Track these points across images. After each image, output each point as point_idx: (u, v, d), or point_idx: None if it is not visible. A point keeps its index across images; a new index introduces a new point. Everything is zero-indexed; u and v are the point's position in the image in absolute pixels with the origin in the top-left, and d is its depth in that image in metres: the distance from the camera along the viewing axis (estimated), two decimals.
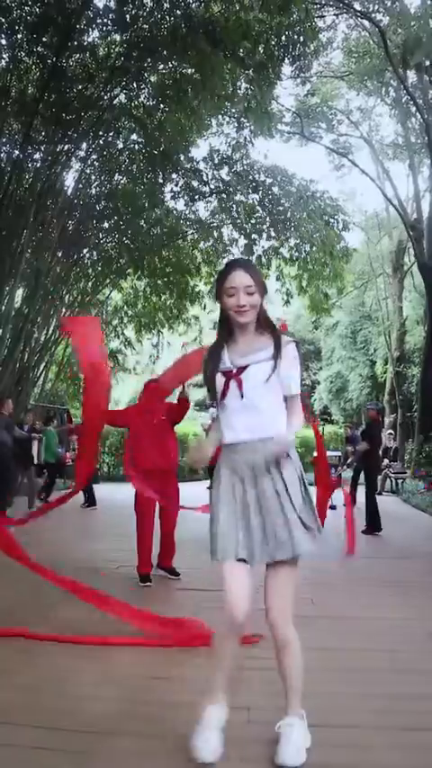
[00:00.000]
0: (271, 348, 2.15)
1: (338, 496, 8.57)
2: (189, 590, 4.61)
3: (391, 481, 15.06)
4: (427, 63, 15.02)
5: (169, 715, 2.37)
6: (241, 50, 10.40)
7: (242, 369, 2.14)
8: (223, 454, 2.21)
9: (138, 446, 4.83)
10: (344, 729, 2.30)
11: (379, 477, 15.23)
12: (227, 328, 2.24)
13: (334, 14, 16.42)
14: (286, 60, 11.42)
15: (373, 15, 15.66)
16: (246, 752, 2.10)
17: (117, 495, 10.28)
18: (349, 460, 14.24)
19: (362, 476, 12.23)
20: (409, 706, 2.51)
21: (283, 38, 10.60)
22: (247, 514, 2.10)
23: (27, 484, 10.19)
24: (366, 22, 17.01)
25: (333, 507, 10.28)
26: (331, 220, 14.81)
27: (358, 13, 15.54)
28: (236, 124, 14.27)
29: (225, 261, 15.81)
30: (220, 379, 2.18)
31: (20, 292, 13.84)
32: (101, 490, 11.64)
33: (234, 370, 2.15)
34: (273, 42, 10.55)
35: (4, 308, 12.67)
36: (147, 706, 2.47)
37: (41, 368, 14.26)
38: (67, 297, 15.12)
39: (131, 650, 3.18)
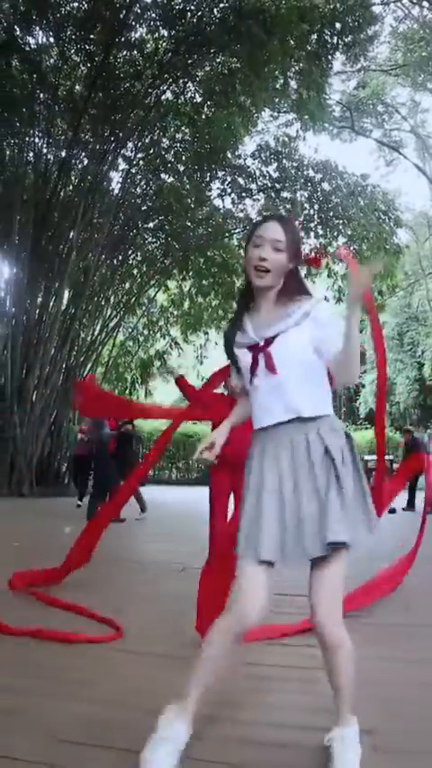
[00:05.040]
0: (300, 312, 1.83)
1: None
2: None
3: None
4: None
5: (289, 738, 1.99)
6: (294, 39, 10.10)
7: (270, 340, 1.83)
8: (257, 440, 1.89)
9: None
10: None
11: None
12: (249, 297, 1.93)
13: (382, 3, 15.94)
14: (339, 49, 11.06)
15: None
16: None
17: (162, 498, 10.01)
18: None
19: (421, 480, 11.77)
20: None
21: (338, 24, 10.25)
22: (283, 507, 1.79)
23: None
24: (415, 12, 16.57)
25: (393, 511, 9.83)
26: (383, 216, 14.38)
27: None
28: (286, 118, 13.98)
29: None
30: (245, 356, 1.87)
31: (66, 293, 13.79)
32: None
33: (261, 343, 1.83)
34: (327, 29, 10.22)
35: (51, 308, 12.62)
36: (251, 727, 2.12)
37: (88, 368, 14.16)
38: (112, 297, 15.01)
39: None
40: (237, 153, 14.52)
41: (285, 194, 14.42)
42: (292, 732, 2.03)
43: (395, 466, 15.13)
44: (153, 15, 11.66)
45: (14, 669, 2.61)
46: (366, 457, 19.23)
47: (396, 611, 3.68)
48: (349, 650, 1.77)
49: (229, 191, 14.60)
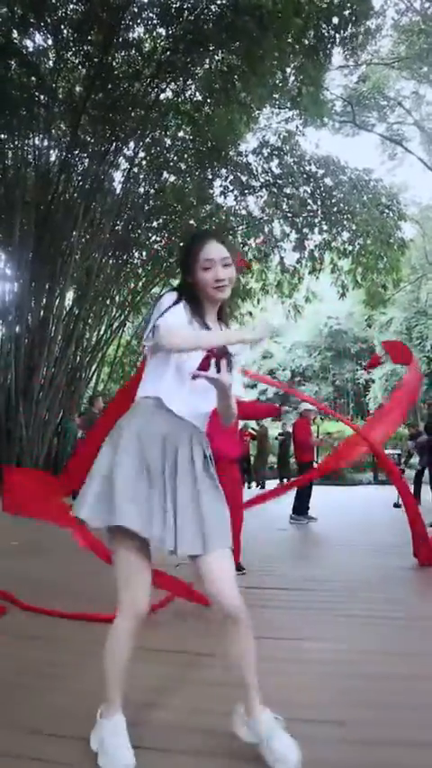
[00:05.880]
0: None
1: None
2: (254, 588, 4.25)
3: None
4: None
5: (227, 726, 1.97)
6: (291, 34, 10.07)
7: (224, 354, 1.87)
8: (147, 411, 1.85)
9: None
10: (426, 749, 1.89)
11: None
12: (194, 302, 1.92)
13: None
14: (337, 42, 10.99)
15: None
16: None
17: None
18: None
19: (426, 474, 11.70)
20: None
21: (335, 19, 10.19)
22: (169, 489, 1.79)
23: None
24: (417, 5, 16.45)
25: (398, 505, 9.75)
26: (386, 211, 14.29)
27: None
28: (285, 114, 13.92)
29: (273, 256, 15.49)
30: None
31: (70, 294, 13.84)
32: None
33: (216, 352, 1.86)
34: (323, 24, 10.16)
35: (56, 308, 12.67)
36: (207, 716, 2.12)
37: (93, 368, 14.20)
38: (117, 297, 15.05)
39: (184, 653, 2.84)
40: (239, 150, 14.48)
41: (287, 190, 14.37)
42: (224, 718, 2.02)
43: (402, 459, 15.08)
44: (150, 15, 11.66)
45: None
46: None
47: (357, 602, 3.69)
48: (249, 626, 1.82)
49: (231, 188, 14.56)
